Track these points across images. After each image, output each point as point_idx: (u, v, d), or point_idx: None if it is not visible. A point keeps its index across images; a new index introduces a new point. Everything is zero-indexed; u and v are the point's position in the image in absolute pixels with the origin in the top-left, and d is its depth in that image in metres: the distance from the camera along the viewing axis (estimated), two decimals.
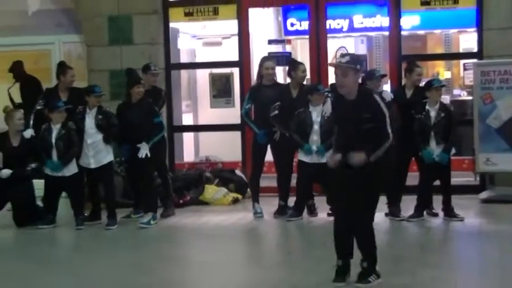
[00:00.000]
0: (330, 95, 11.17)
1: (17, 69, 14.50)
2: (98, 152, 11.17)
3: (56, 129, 11.16)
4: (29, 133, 11.67)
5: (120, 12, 13.65)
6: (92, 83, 12.28)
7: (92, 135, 11.12)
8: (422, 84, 11.24)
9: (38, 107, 11.94)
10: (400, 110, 10.88)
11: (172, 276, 8.50)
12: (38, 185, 11.63)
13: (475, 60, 12.90)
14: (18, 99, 14.45)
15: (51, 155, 11.15)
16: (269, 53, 13.68)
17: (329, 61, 13.79)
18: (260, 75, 11.54)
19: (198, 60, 16.04)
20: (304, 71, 11.63)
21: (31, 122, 12.03)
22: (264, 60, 11.68)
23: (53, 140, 11.14)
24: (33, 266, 9.04)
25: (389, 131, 7.60)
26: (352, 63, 7.60)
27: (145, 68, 11.96)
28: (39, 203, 11.64)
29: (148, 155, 11.05)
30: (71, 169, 11.18)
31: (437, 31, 16.57)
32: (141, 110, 11.17)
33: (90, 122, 11.14)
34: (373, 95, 7.84)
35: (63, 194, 11.53)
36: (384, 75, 11.89)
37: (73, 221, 11.23)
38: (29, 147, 11.39)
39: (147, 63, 12.09)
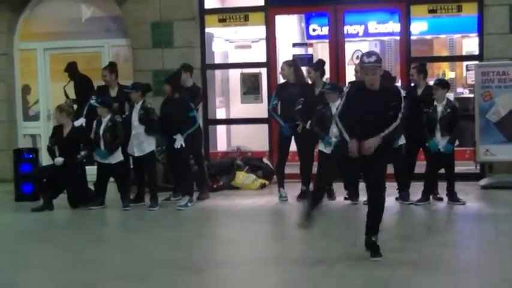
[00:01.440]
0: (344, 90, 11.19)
1: (71, 69, 14.55)
2: (140, 142, 11.21)
3: (104, 122, 11.24)
4: (79, 122, 11.74)
5: (162, 19, 13.68)
6: (136, 81, 12.30)
7: (136, 127, 11.17)
8: (431, 83, 11.20)
9: (91, 101, 12.01)
10: (411, 106, 10.85)
11: (207, 251, 8.53)
12: (91, 171, 11.72)
13: (476, 62, 12.83)
14: (72, 95, 14.52)
15: (99, 144, 11.24)
16: (293, 55, 13.68)
17: (346, 62, 13.82)
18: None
19: (230, 61, 16.02)
20: (309, 71, 11.50)
21: (84, 113, 12.13)
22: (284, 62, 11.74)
23: (101, 132, 11.22)
24: (86, 242, 9.12)
25: (400, 114, 7.63)
26: (379, 61, 7.62)
27: (185, 68, 11.97)
28: (91, 187, 11.73)
29: (183, 145, 11.10)
30: (116, 157, 11.24)
31: (443, 36, 16.45)
32: (178, 105, 11.22)
33: (134, 115, 11.20)
34: (395, 84, 7.78)
35: (111, 178, 11.61)
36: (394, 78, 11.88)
37: (120, 202, 11.30)
38: (78, 137, 11.45)
39: (186, 64, 12.13)
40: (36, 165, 12.32)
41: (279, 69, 13.17)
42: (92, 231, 9.95)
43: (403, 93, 10.65)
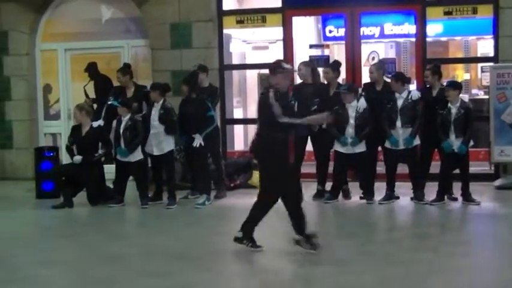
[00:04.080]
0: (363, 93, 11.17)
1: (91, 69, 14.63)
2: (160, 141, 11.25)
3: (124, 121, 11.29)
4: (97, 123, 11.81)
5: (181, 20, 13.72)
6: (155, 82, 12.34)
7: (155, 127, 11.20)
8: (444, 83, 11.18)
9: (109, 102, 12.07)
10: (425, 107, 10.86)
11: (224, 248, 8.55)
12: (110, 169, 11.77)
13: (491, 64, 12.78)
14: (92, 95, 14.60)
15: (120, 143, 11.30)
16: (310, 56, 13.68)
17: (362, 63, 13.81)
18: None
19: (248, 62, 16.07)
20: (327, 72, 11.49)
21: (103, 114, 12.18)
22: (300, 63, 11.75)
23: (121, 130, 11.28)
24: (106, 239, 9.16)
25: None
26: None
27: (204, 68, 12.01)
28: (110, 185, 11.78)
29: (202, 144, 11.13)
30: (136, 156, 11.29)
31: (458, 38, 16.42)
32: (196, 105, 11.24)
33: (154, 115, 11.24)
34: None
35: (131, 177, 11.65)
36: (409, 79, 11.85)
37: (139, 200, 11.35)
38: (96, 136, 11.52)
39: (203, 64, 12.16)
40: (56, 163, 12.40)
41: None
42: (111, 228, 9.99)
43: (416, 97, 10.78)
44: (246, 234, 8.21)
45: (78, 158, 11.36)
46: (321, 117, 8.60)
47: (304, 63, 11.74)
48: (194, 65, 12.19)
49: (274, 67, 8.30)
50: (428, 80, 11.15)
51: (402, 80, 10.99)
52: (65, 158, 13.00)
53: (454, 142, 10.60)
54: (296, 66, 12.11)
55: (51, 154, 12.47)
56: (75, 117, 11.77)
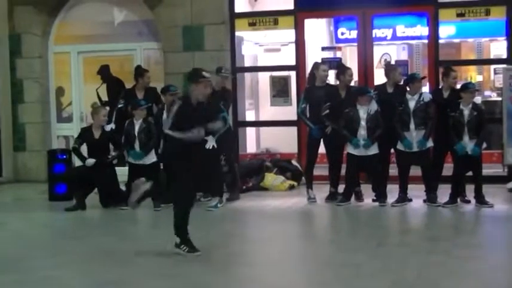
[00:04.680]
0: (374, 96, 11.13)
1: (104, 72, 14.67)
2: None
3: (138, 123, 11.29)
4: (109, 127, 11.81)
5: (193, 22, 13.73)
6: (167, 84, 12.34)
7: None
8: (458, 86, 11.12)
9: (119, 105, 12.07)
10: (437, 109, 10.81)
11: (236, 250, 8.55)
12: (122, 171, 11.77)
13: (504, 66, 12.72)
14: (105, 97, 14.63)
15: (133, 145, 11.29)
16: (322, 59, 13.65)
17: (375, 65, 13.77)
18: (312, 77, 11.50)
19: (260, 64, 16.05)
20: (351, 75, 11.58)
21: (113, 118, 12.18)
22: (319, 64, 11.66)
23: (136, 133, 11.28)
24: (118, 240, 9.16)
25: None
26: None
27: (217, 70, 12.02)
28: (123, 187, 11.78)
29: (215, 146, 11.11)
30: (150, 158, 11.29)
31: (471, 39, 16.35)
32: (209, 107, 11.20)
33: (166, 117, 11.22)
34: None
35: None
36: (424, 77, 11.83)
37: (151, 203, 11.33)
38: (108, 139, 11.54)
39: (220, 66, 12.13)
40: (69, 166, 12.42)
41: (307, 73, 13.16)
42: (123, 230, 9.99)
43: (427, 98, 10.75)
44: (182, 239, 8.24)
45: (91, 161, 11.37)
46: (197, 134, 8.36)
47: (326, 64, 11.71)
48: (226, 69, 12.15)
49: (195, 75, 8.31)
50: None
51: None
52: (77, 161, 13.00)
53: (468, 144, 10.55)
54: (308, 69, 12.10)
55: (64, 157, 12.48)
56: (93, 118, 11.70)
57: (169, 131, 8.14)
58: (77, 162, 12.85)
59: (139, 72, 12.26)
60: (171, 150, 8.25)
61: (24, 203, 12.52)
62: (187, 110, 8.16)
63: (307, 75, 13.02)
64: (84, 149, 11.67)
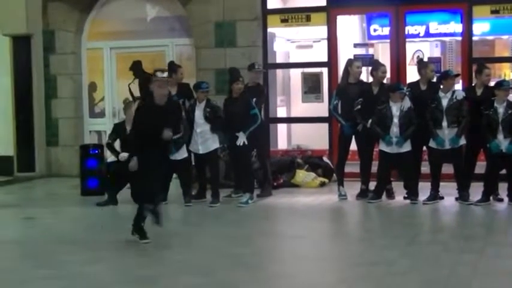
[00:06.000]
0: (407, 93, 11.06)
1: (136, 68, 14.65)
2: (205, 139, 11.26)
3: None
4: None
5: (225, 18, 13.75)
6: (199, 80, 12.37)
7: (201, 125, 11.22)
8: (491, 84, 11.02)
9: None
10: (470, 107, 10.72)
11: (266, 247, 8.55)
12: None
13: None
14: (137, 93, 14.65)
15: None
16: (354, 55, 13.59)
17: (407, 62, 13.68)
18: (347, 74, 11.46)
19: (292, 60, 16.03)
20: (385, 71, 11.53)
21: None
22: (353, 60, 11.62)
23: None
24: (150, 235, 9.14)
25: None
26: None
27: (250, 67, 12.01)
28: None
29: (246, 142, 11.11)
30: (182, 154, 11.32)
31: (505, 36, 16.17)
32: (241, 103, 11.23)
33: (199, 113, 11.24)
34: None
35: (174, 175, 11.67)
36: (458, 75, 11.74)
37: (182, 198, 11.38)
38: None
39: (252, 62, 12.14)
40: (101, 161, 12.49)
41: (339, 69, 13.13)
42: (154, 226, 10.00)
43: (460, 96, 10.66)
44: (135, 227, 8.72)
45: (124, 155, 11.40)
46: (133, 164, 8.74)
47: (360, 61, 11.67)
48: (258, 64, 12.17)
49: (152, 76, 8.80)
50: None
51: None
52: (109, 156, 13.09)
53: (502, 142, 10.45)
54: (340, 66, 12.06)
55: (96, 152, 12.56)
56: (127, 113, 11.73)
57: (132, 142, 8.67)
58: (109, 157, 12.93)
59: (173, 68, 12.28)
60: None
61: (57, 197, 12.63)
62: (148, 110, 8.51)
63: (339, 71, 13.01)
64: (117, 144, 11.73)
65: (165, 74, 8.55)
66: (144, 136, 8.45)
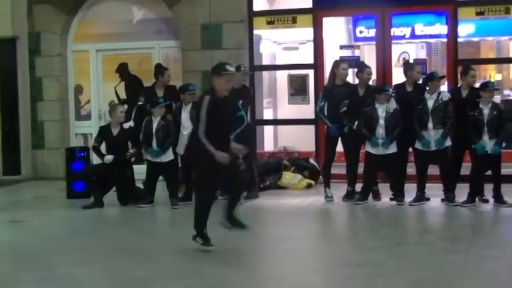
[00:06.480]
0: (393, 94, 11.11)
1: (122, 70, 14.72)
2: None
3: (156, 121, 11.33)
4: (127, 124, 11.85)
5: (212, 21, 13.76)
6: (186, 83, 12.38)
7: (187, 128, 11.18)
8: (476, 85, 11.09)
9: (139, 103, 12.11)
10: (456, 108, 10.79)
11: (254, 248, 8.56)
12: (140, 169, 11.82)
13: None
14: (123, 96, 14.69)
15: (151, 143, 11.33)
16: (340, 57, 13.63)
17: (393, 64, 13.74)
18: (333, 76, 11.50)
19: (278, 62, 16.07)
20: (370, 73, 11.58)
21: (133, 116, 12.22)
22: (339, 62, 11.66)
23: (154, 131, 11.31)
24: (136, 238, 9.21)
25: None
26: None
27: (236, 68, 12.01)
28: (140, 185, 11.82)
29: None
30: (168, 156, 11.34)
31: (490, 38, 16.28)
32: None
33: (185, 116, 11.26)
34: None
35: (161, 177, 11.67)
36: (443, 77, 11.80)
37: (169, 201, 11.38)
38: (126, 136, 11.58)
39: (238, 64, 12.17)
40: (87, 163, 12.49)
41: (325, 71, 13.18)
42: (141, 228, 10.03)
43: (446, 97, 10.73)
44: (197, 232, 8.33)
45: (109, 158, 11.41)
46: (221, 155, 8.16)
47: (346, 63, 11.70)
48: (244, 66, 12.22)
49: (218, 68, 8.31)
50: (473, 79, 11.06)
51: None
52: (95, 158, 13.08)
53: (488, 143, 10.52)
54: (326, 68, 12.09)
55: (83, 154, 12.56)
56: (114, 116, 11.70)
57: (204, 139, 8.05)
58: (95, 160, 12.93)
59: (160, 70, 12.30)
60: (196, 153, 8.24)
61: (43, 200, 12.60)
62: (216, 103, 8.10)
63: (325, 73, 13.05)
64: (103, 147, 11.72)
65: (233, 69, 8.42)
66: (216, 131, 8.18)
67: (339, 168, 11.97)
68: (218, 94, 8.20)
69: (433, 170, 11.15)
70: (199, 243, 8.22)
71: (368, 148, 11.06)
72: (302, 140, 14.18)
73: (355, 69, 12.00)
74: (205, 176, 8.22)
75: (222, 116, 8.17)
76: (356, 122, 11.04)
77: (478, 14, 13.08)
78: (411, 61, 14.70)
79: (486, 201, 10.87)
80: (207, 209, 8.30)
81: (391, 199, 11.20)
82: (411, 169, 11.40)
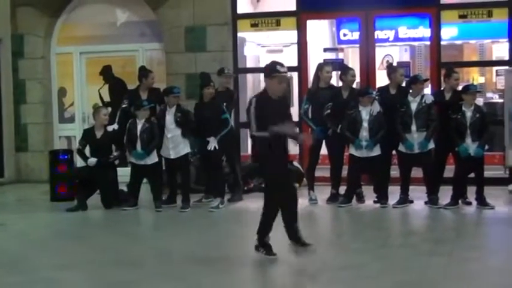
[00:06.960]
0: (377, 97, 11.16)
1: (106, 73, 14.70)
2: (176, 144, 11.26)
3: (140, 123, 11.32)
4: (111, 127, 11.84)
5: (196, 23, 13.77)
6: (170, 85, 12.37)
7: (172, 130, 11.22)
8: (459, 88, 11.15)
9: (123, 106, 12.10)
10: (439, 111, 10.84)
11: (237, 251, 8.56)
12: (124, 172, 11.80)
13: (506, 67, 12.76)
14: (107, 98, 14.66)
15: (136, 145, 11.32)
16: (324, 60, 13.68)
17: (377, 67, 13.79)
18: (317, 78, 11.52)
19: (262, 65, 16.05)
20: (354, 75, 11.62)
21: (117, 118, 12.21)
22: (323, 65, 11.69)
23: (138, 133, 11.30)
24: (120, 241, 9.19)
25: None
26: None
27: (220, 71, 12.05)
28: (124, 188, 11.81)
29: (217, 147, 11.13)
30: (152, 158, 11.33)
31: (473, 41, 16.39)
32: (212, 108, 11.25)
33: (170, 118, 11.24)
34: None
35: (144, 180, 11.66)
36: (427, 80, 11.86)
37: (152, 204, 11.37)
38: (110, 139, 11.57)
39: (222, 67, 12.19)
40: (71, 166, 12.45)
41: (309, 74, 13.21)
42: (125, 231, 10.01)
43: (429, 100, 10.78)
44: (260, 242, 8.10)
45: (93, 160, 11.40)
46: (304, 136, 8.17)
47: (330, 65, 11.72)
48: (228, 69, 12.23)
49: (270, 70, 7.94)
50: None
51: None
52: (79, 161, 13.05)
53: (471, 146, 10.57)
54: (310, 70, 12.12)
55: (66, 157, 12.53)
56: (99, 119, 11.65)
57: (256, 132, 7.69)
58: (79, 162, 12.91)
59: (144, 73, 12.29)
60: (263, 152, 7.84)
61: (26, 203, 12.56)
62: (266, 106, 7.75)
63: (309, 76, 13.09)
64: (87, 150, 11.70)
65: (285, 69, 8.13)
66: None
67: (322, 170, 12.01)
68: (272, 96, 7.86)
69: (417, 172, 11.19)
70: (262, 254, 7.99)
71: (352, 151, 11.09)
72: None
73: (339, 72, 12.06)
74: (278, 185, 7.97)
75: (275, 118, 7.70)
76: (340, 125, 11.06)
77: (461, 17, 13.16)
78: (395, 64, 14.79)
79: (469, 203, 10.92)
80: (275, 216, 8.12)
81: (374, 202, 11.23)
82: (395, 172, 11.44)
